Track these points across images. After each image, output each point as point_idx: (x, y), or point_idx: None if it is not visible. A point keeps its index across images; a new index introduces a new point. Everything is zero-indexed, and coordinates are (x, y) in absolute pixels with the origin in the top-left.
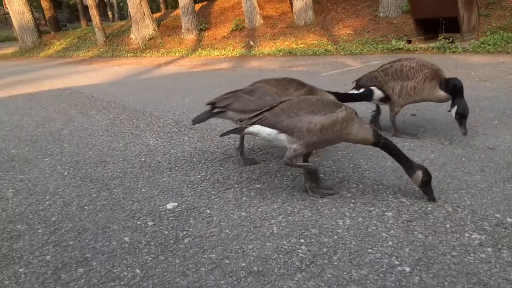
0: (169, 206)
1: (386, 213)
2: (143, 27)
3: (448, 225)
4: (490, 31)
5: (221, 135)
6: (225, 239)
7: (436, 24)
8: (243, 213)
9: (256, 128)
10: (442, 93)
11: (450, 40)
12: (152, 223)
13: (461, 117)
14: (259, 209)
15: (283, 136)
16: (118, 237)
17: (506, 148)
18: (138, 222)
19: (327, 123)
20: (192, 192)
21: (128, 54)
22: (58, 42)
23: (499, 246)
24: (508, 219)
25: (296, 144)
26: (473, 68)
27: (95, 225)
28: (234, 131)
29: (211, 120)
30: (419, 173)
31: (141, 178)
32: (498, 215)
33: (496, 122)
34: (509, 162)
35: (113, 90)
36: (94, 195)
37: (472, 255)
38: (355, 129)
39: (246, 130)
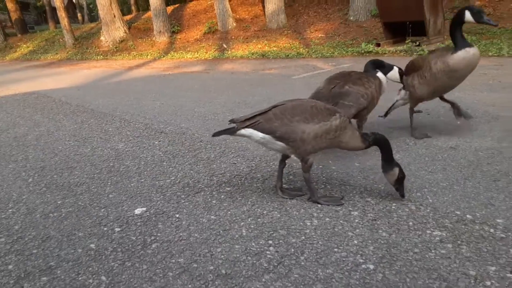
0: (137, 211)
1: (352, 213)
2: (113, 30)
3: (411, 223)
4: None
5: (213, 135)
6: (193, 243)
7: (404, 28)
8: (212, 217)
9: (248, 131)
10: (462, 51)
11: (417, 43)
12: (119, 229)
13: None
14: (229, 212)
15: (279, 144)
16: (84, 244)
17: (468, 147)
18: (105, 229)
19: (320, 132)
20: (161, 197)
21: (98, 57)
22: (25, 45)
23: (459, 242)
24: (467, 216)
25: (294, 154)
26: None
27: (60, 233)
28: (226, 132)
29: (182, 123)
30: (396, 170)
31: (109, 183)
32: (458, 212)
33: (458, 122)
34: (470, 161)
35: (81, 93)
36: (59, 202)
37: (433, 251)
38: (348, 137)
39: (238, 132)
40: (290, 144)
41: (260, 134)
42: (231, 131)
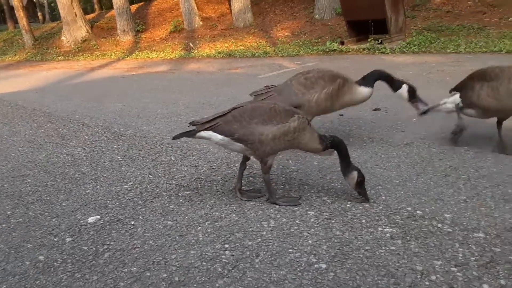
0: (91, 219)
1: (308, 212)
2: (75, 29)
3: (364, 221)
4: (416, 32)
5: (173, 138)
6: (148, 251)
7: (367, 26)
8: (169, 222)
9: (207, 134)
10: None
11: (379, 41)
12: (70, 239)
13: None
14: (186, 217)
15: (239, 145)
16: (32, 257)
17: (421, 143)
18: (56, 239)
19: (278, 133)
20: (117, 203)
21: (59, 58)
22: None
23: (408, 238)
24: (418, 212)
25: (254, 155)
26: (398, 68)
27: (8, 245)
28: (186, 134)
29: (143, 126)
30: (355, 174)
31: (63, 191)
32: (409, 208)
33: (414, 119)
34: (423, 157)
35: (39, 97)
36: (8, 213)
37: (383, 248)
38: (306, 139)
39: (198, 134)
40: (249, 146)
41: (219, 136)
42: (191, 134)
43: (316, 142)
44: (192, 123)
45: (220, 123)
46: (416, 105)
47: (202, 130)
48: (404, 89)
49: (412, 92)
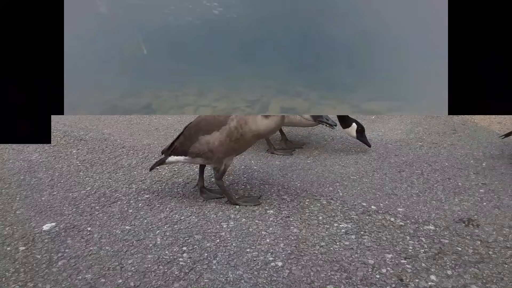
0: (46, 227)
1: (268, 211)
2: None
3: (320, 217)
4: None
5: (150, 169)
6: (104, 257)
7: None
8: (127, 227)
9: (173, 158)
10: None
11: None
12: (23, 248)
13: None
14: (145, 221)
15: (198, 159)
16: None
17: (379, 140)
18: (8, 248)
19: (223, 137)
20: (74, 210)
21: None
22: None
23: (362, 232)
24: (372, 207)
25: (211, 164)
26: None
27: None
28: (159, 163)
29: (104, 129)
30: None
31: (17, 198)
32: (364, 204)
33: (373, 117)
34: (380, 154)
35: None
36: None
37: (338, 243)
38: (255, 127)
39: (167, 160)
40: (203, 157)
41: (181, 158)
42: (162, 161)
43: (266, 122)
44: (162, 152)
45: (177, 146)
46: (364, 142)
47: (168, 156)
48: (353, 128)
49: (360, 132)
